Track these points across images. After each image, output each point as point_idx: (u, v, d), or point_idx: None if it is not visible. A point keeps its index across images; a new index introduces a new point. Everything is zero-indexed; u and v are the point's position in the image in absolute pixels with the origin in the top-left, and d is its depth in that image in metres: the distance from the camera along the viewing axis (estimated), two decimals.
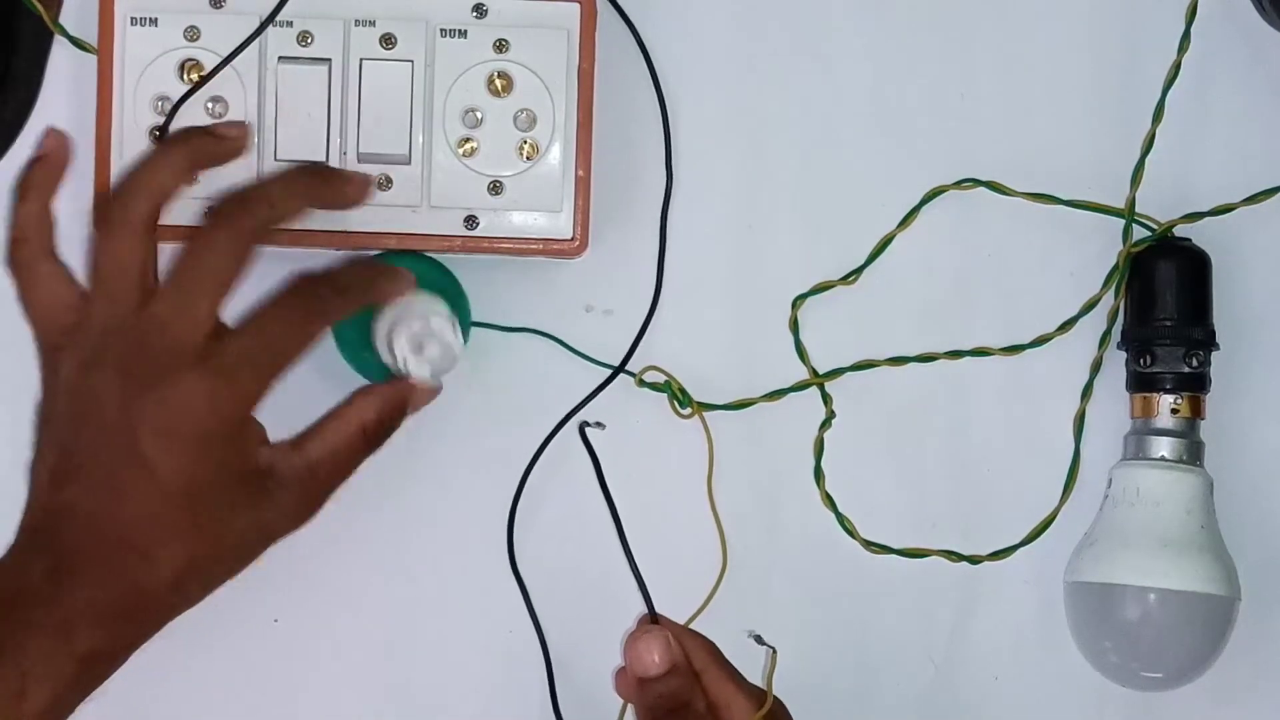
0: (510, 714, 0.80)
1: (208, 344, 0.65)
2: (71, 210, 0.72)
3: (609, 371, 0.79)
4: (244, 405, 0.66)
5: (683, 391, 0.79)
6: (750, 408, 0.80)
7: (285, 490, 0.67)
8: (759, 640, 0.74)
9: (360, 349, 0.75)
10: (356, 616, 0.79)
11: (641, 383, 0.79)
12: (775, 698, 0.71)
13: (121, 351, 0.65)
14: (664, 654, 0.70)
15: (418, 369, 0.72)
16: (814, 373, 0.80)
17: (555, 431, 0.78)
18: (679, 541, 0.79)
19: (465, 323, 0.76)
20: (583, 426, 0.76)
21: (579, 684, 0.79)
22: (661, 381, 0.79)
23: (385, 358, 0.73)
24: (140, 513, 0.64)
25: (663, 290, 0.80)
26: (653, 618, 0.72)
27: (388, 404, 0.70)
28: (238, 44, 0.74)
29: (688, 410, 0.79)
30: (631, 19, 0.79)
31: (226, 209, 0.67)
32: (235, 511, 0.65)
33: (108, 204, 0.68)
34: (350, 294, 0.70)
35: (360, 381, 0.74)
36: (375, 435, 0.70)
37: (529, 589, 0.79)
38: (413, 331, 0.72)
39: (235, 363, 0.65)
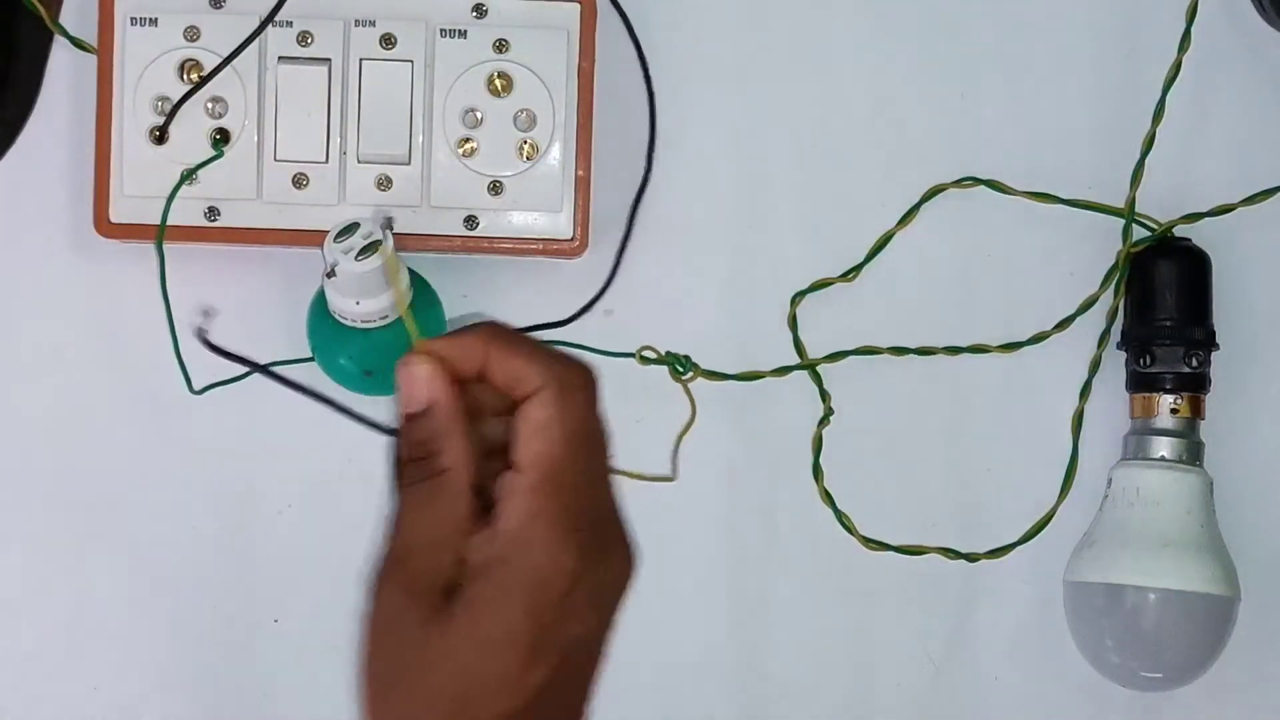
0: None
1: None
2: (70, 210, 0.72)
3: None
4: None
5: (686, 359, 0.79)
6: (751, 384, 0.79)
7: None
8: (388, 223, 0.68)
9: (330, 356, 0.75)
10: (356, 616, 0.79)
11: (644, 360, 0.78)
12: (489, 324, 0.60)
13: None
14: (424, 390, 0.58)
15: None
16: (810, 362, 0.80)
17: None
18: (684, 534, 0.79)
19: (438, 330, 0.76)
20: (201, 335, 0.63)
21: None
22: (663, 353, 0.79)
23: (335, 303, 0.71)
24: None
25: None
26: None
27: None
28: (238, 44, 0.74)
29: (689, 374, 0.79)
30: (631, 19, 0.79)
31: None
32: None
33: None
34: None
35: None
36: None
37: None
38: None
39: None
